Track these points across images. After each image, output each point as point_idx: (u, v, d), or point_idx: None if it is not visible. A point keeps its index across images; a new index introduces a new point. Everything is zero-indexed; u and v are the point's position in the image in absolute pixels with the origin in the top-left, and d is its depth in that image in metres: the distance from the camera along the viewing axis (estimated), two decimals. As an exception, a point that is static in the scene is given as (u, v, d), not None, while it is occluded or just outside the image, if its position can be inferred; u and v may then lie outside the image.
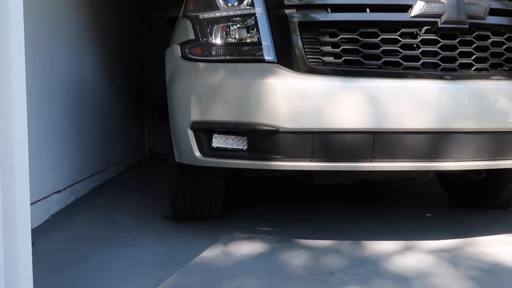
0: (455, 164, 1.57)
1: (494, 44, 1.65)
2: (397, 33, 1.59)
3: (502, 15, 1.65)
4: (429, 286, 1.45)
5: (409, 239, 2.00)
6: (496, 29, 1.66)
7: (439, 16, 1.56)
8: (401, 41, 1.59)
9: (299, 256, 1.78)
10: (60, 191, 2.67)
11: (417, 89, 1.55)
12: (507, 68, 1.66)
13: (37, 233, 2.16)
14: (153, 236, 2.09)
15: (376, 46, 1.60)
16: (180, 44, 1.86)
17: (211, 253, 1.83)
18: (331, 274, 1.56)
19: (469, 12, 1.58)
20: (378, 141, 1.54)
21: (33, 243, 1.95)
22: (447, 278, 1.53)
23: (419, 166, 1.58)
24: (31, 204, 2.24)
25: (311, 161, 1.58)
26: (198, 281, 1.52)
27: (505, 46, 1.66)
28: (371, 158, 1.56)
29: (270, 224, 2.30)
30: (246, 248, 1.89)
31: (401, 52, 1.59)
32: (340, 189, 3.21)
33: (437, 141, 1.55)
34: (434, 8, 1.56)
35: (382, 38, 1.59)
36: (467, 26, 1.58)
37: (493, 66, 1.65)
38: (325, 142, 1.55)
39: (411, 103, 1.54)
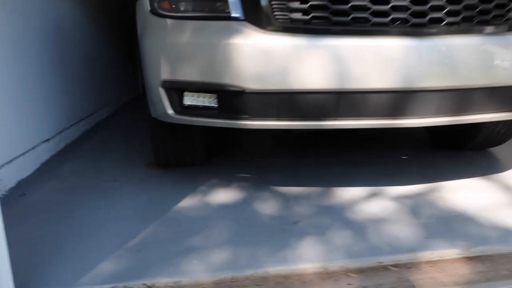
0: (417, 121, 1.61)
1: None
2: (363, -11, 1.56)
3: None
4: (382, 235, 1.58)
5: (378, 184, 2.12)
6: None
7: None
8: (368, -4, 1.56)
9: (271, 204, 1.91)
10: (48, 139, 2.76)
11: (384, 48, 1.55)
12: (478, 21, 1.63)
13: (27, 183, 2.29)
14: (137, 185, 2.21)
15: (344, 1, 1.57)
16: (151, -3, 1.83)
17: (189, 202, 1.95)
18: (295, 223, 1.69)
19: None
20: (343, 101, 1.57)
21: (23, 194, 2.12)
22: (401, 226, 1.65)
23: (383, 124, 1.62)
24: (20, 155, 2.34)
25: (278, 120, 1.63)
26: (171, 232, 1.65)
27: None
28: (336, 117, 1.61)
29: (251, 170, 2.41)
30: (223, 196, 2.01)
31: (370, 8, 1.56)
32: (326, 133, 3.28)
33: (402, 99, 1.58)
34: None
35: (350, -6, 1.56)
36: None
37: (465, 19, 1.62)
38: (290, 102, 1.59)
39: (377, 62, 1.54)
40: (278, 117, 1.62)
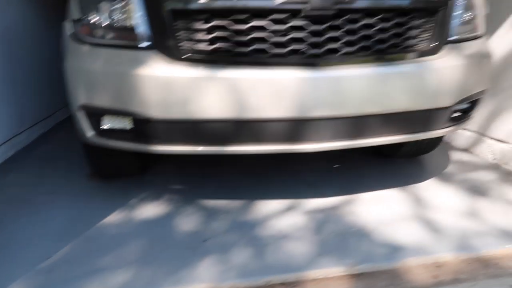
0: (315, 146, 1.72)
1: (365, 27, 1.71)
2: (265, 20, 1.64)
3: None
4: (280, 253, 1.71)
5: (298, 196, 2.24)
6: (367, 12, 1.70)
7: (305, 2, 1.60)
8: (269, 28, 1.65)
9: (191, 220, 2.02)
10: (-5, 148, 2.83)
11: (282, 79, 1.64)
12: (375, 50, 1.74)
13: (-33, 195, 2.37)
14: (73, 198, 2.31)
15: (245, 33, 1.66)
16: (73, 21, 1.90)
17: (114, 218, 2.06)
18: (204, 241, 1.81)
19: (335, -1, 1.61)
20: (243, 128, 1.68)
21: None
22: (301, 244, 1.78)
23: (282, 149, 1.73)
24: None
25: (185, 145, 1.73)
26: (85, 252, 1.76)
27: (377, 27, 1.72)
28: (238, 143, 1.71)
29: (186, 181, 2.51)
30: (148, 211, 2.12)
31: (269, 40, 1.66)
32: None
33: (298, 127, 1.69)
34: None
35: (250, 26, 1.65)
36: (334, 12, 1.63)
37: (362, 49, 1.72)
38: (194, 129, 1.69)
39: (274, 92, 1.64)
40: (185, 143, 1.72)
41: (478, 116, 3.00)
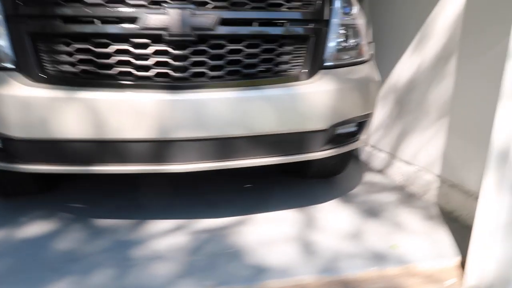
0: (180, 167, 1.73)
1: (231, 52, 1.75)
2: (127, 45, 1.67)
3: (236, 25, 1.73)
4: (145, 273, 1.70)
5: (194, 216, 2.24)
6: (233, 37, 1.75)
7: (164, 29, 1.64)
8: (131, 52, 1.68)
9: (72, 239, 2.00)
10: None
11: (144, 101, 1.65)
12: (244, 75, 1.78)
13: None
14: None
15: (107, 56, 1.68)
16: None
17: (-5, 236, 2.01)
18: (71, 261, 1.79)
19: (194, 24, 1.65)
20: (106, 149, 1.68)
21: None
22: (171, 265, 1.77)
23: (148, 170, 1.73)
24: None
25: (49, 165, 1.72)
26: None
27: (244, 53, 1.76)
28: (101, 163, 1.71)
29: (85, 200, 2.48)
30: (34, 229, 2.08)
31: (132, 64, 1.69)
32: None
33: (162, 148, 1.70)
34: (159, 20, 1.63)
35: (113, 49, 1.67)
36: (194, 38, 1.67)
37: (229, 73, 1.76)
38: (55, 149, 1.68)
39: (135, 114, 1.65)
40: (48, 162, 1.71)
41: (390, 138, 3.08)
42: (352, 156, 3.47)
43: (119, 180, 2.83)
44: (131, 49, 1.67)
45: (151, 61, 1.68)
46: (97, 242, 1.96)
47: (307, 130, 1.84)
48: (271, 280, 1.66)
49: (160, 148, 1.69)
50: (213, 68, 1.73)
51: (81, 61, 1.68)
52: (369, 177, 3.01)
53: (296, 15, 1.81)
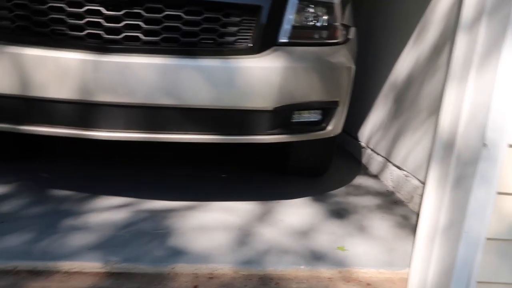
0: (106, 134, 1.64)
1: (168, 17, 1.64)
2: (63, 2, 1.62)
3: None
4: (59, 243, 1.63)
5: (145, 196, 2.15)
6: (171, 2, 1.63)
7: None
8: (66, 10, 1.62)
9: (15, 204, 1.98)
10: None
11: (71, 60, 1.60)
12: (184, 43, 1.66)
13: None
14: None
15: (44, 13, 1.64)
16: None
17: None
18: (1, 222, 1.76)
19: (126, -16, 1.56)
20: (31, 108, 1.64)
21: None
22: (89, 236, 1.69)
23: (72, 133, 1.66)
24: None
25: None
26: None
27: (183, 20, 1.65)
28: (27, 122, 1.67)
29: (54, 169, 2.48)
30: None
31: (66, 22, 1.63)
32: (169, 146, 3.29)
33: (89, 111, 1.63)
34: None
35: (49, 6, 1.63)
36: (128, -1, 1.58)
37: (166, 40, 1.65)
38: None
39: (62, 72, 1.60)
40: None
41: (386, 140, 2.82)
42: (343, 155, 3.32)
43: (93, 153, 2.83)
44: (65, 7, 1.62)
45: (83, 21, 1.62)
46: (35, 209, 1.92)
47: (248, 108, 1.69)
48: (181, 264, 1.53)
49: (85, 111, 1.63)
50: (148, 33, 1.64)
51: (17, 18, 1.65)
52: (360, 180, 2.76)
53: (243, -17, 1.67)
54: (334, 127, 2.02)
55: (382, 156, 2.82)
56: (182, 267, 1.52)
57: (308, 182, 2.59)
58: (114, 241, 1.67)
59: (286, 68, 1.71)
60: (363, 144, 3.21)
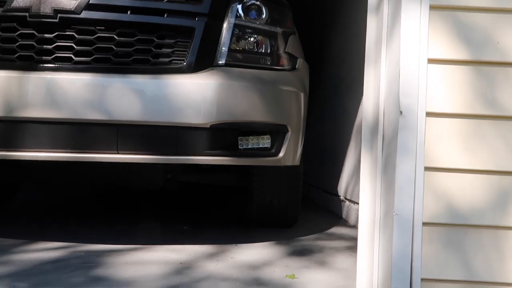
0: (31, 154, 1.60)
1: (102, 39, 1.68)
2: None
3: (106, 11, 1.68)
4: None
5: (85, 241, 1.98)
6: (104, 24, 1.69)
7: (26, 10, 1.63)
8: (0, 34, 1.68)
9: None
10: None
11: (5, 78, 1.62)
12: (115, 63, 1.68)
13: None
14: None
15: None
16: None
17: None
18: None
19: (57, 7, 1.63)
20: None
21: None
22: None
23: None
24: None
25: None
26: None
27: (116, 41, 1.68)
28: None
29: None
30: None
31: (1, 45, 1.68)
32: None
33: (11, 130, 1.60)
34: (21, 2, 1.64)
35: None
36: (57, 20, 1.63)
37: (98, 60, 1.67)
38: None
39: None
40: None
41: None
42: (316, 205, 3.17)
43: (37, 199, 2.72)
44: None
45: (16, 43, 1.67)
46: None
47: (182, 124, 1.63)
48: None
49: (10, 130, 1.58)
50: (80, 53, 1.66)
51: None
52: (335, 229, 2.56)
53: (176, 6, 1.73)
54: (286, 154, 1.92)
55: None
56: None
57: (276, 231, 2.41)
58: (31, 271, 1.50)
59: (221, 84, 1.69)
60: (341, 197, 3.06)
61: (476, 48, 1.11)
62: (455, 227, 1.10)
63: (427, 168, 1.09)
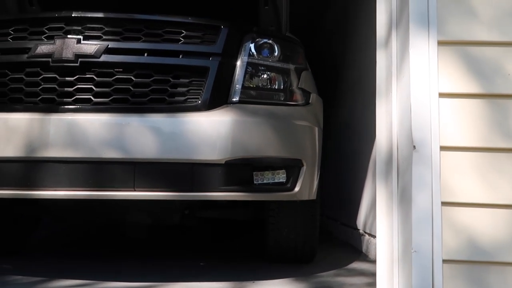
0: (51, 193, 1.64)
1: (119, 80, 1.75)
2: (20, 73, 1.76)
3: (123, 54, 1.76)
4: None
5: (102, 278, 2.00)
6: (122, 67, 1.76)
7: (49, 56, 1.72)
8: (24, 79, 1.76)
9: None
10: None
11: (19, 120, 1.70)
12: (133, 103, 1.73)
13: None
14: None
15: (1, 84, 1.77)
16: None
17: None
18: None
19: (78, 52, 1.71)
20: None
21: None
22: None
23: (18, 194, 1.68)
24: None
25: None
26: None
27: (133, 82, 1.75)
28: None
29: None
30: None
31: (25, 89, 1.76)
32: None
33: (32, 169, 1.66)
34: (45, 49, 1.73)
35: (7, 77, 1.77)
36: (77, 64, 1.71)
37: (117, 101, 1.74)
38: None
39: (9, 132, 1.68)
40: None
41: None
42: (336, 239, 3.09)
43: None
44: (23, 76, 1.76)
45: (39, 87, 1.74)
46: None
47: (197, 161, 1.65)
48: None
49: (31, 170, 1.63)
50: (99, 95, 1.73)
51: None
52: (355, 265, 2.50)
53: (191, 48, 1.80)
54: (302, 188, 1.91)
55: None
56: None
57: (293, 267, 2.37)
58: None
59: (235, 121, 1.72)
60: (360, 230, 3.00)
61: (487, 81, 1.11)
62: (477, 264, 1.07)
63: (444, 203, 1.07)
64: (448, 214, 1.07)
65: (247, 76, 1.86)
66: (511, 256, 1.06)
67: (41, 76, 1.74)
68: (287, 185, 1.88)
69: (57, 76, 1.74)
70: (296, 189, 1.90)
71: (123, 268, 2.22)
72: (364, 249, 2.87)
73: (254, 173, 1.80)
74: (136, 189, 1.65)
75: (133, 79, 1.75)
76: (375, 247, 2.60)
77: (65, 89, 1.74)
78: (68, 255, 2.60)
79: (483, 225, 1.07)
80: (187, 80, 1.78)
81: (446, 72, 1.13)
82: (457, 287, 1.07)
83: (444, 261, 1.07)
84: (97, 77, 1.74)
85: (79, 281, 1.95)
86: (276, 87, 1.94)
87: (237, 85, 1.83)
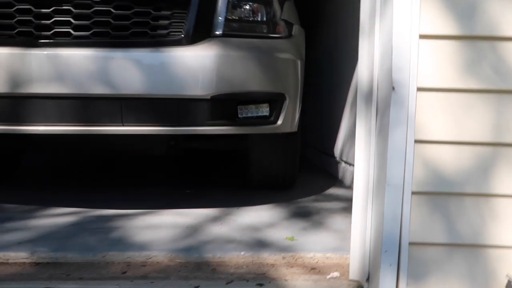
0: (39, 128, 1.68)
1: (98, 13, 1.70)
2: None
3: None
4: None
5: (103, 206, 2.09)
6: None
7: None
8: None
9: None
10: None
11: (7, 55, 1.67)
12: (115, 36, 1.71)
13: None
14: None
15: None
16: None
17: None
18: None
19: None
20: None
21: None
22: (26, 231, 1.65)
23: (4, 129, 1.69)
24: None
25: None
26: None
27: (113, 14, 1.70)
28: None
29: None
30: None
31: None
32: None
33: (19, 105, 1.67)
34: None
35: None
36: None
37: (97, 34, 1.71)
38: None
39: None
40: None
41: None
42: (316, 167, 3.29)
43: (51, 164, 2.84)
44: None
45: (14, 20, 1.69)
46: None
47: (183, 96, 1.68)
48: (113, 252, 1.46)
49: (19, 106, 1.64)
50: (78, 28, 1.69)
51: None
52: (332, 191, 2.68)
53: (172, -22, 1.74)
54: (284, 121, 1.99)
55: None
56: (113, 256, 1.45)
57: (275, 193, 2.52)
58: (49, 237, 1.62)
59: (219, 55, 1.73)
60: (337, 158, 3.15)
61: (464, 23, 1.15)
62: (441, 195, 1.19)
63: (417, 141, 1.16)
64: (420, 151, 1.17)
65: (229, 7, 1.82)
66: (470, 187, 1.18)
67: (15, 8, 1.68)
68: (271, 119, 1.95)
69: (32, 7, 1.68)
70: (279, 122, 1.98)
71: (114, 196, 2.32)
72: (340, 175, 3.04)
73: (239, 107, 1.85)
74: (124, 124, 1.69)
75: (113, 11, 1.70)
76: (351, 174, 2.78)
77: (42, 21, 1.68)
78: (57, 185, 2.69)
79: (449, 161, 1.17)
80: (169, 12, 1.74)
81: (427, 14, 1.15)
82: (422, 214, 1.19)
83: (413, 192, 1.18)
84: (74, 8, 1.68)
85: (73, 209, 2.04)
86: (259, 19, 1.92)
87: (220, 17, 1.81)
